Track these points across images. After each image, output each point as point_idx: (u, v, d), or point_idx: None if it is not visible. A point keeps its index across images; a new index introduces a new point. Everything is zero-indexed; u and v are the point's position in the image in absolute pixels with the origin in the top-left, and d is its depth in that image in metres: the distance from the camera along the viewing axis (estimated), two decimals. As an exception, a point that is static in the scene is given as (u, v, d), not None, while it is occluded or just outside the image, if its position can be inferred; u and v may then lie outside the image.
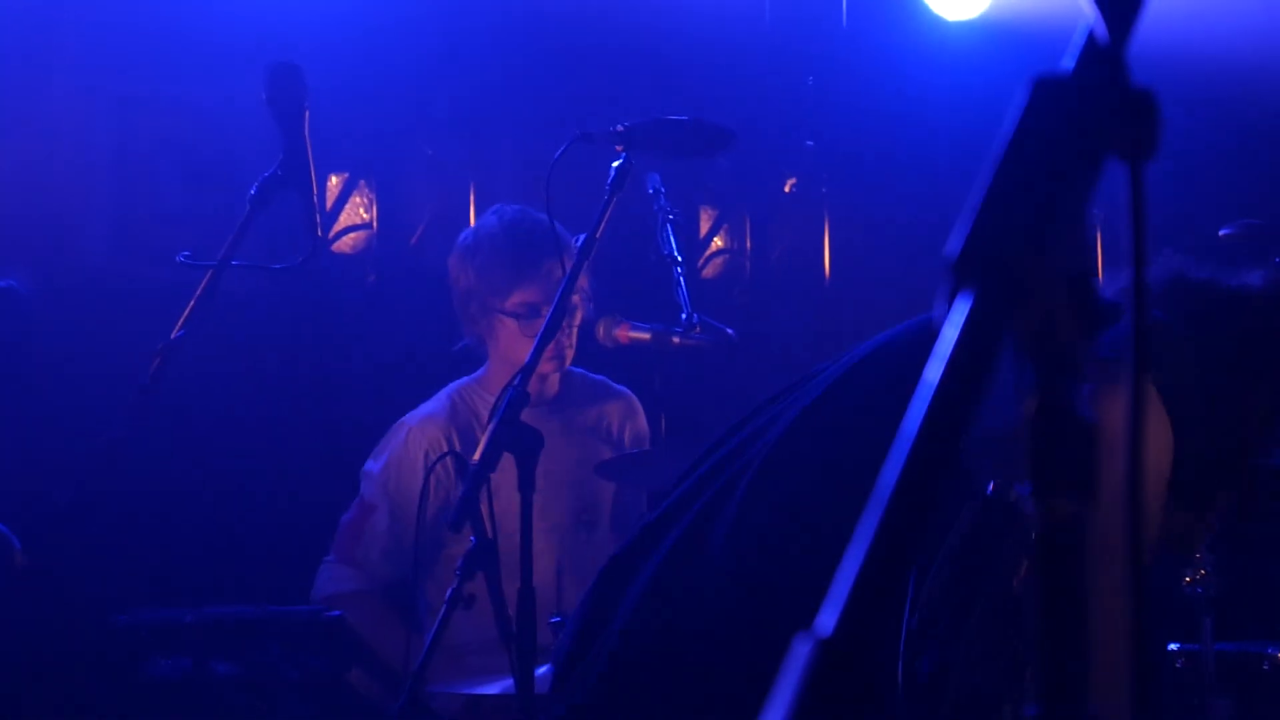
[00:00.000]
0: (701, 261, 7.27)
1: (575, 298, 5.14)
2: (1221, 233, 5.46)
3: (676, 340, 5.01)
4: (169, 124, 6.15)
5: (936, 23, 7.68)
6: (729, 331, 5.09)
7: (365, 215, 6.49)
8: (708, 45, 7.07)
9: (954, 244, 1.13)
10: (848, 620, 1.00)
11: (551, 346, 5.11)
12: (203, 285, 3.92)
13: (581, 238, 4.29)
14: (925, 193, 7.58)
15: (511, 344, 5.18)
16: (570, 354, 5.29)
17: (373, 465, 5.29)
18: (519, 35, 6.71)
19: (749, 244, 7.43)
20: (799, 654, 1.01)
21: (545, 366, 5.22)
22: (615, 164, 4.35)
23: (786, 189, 7.61)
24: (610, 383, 5.55)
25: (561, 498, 5.25)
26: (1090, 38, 1.23)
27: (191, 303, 3.92)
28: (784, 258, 7.55)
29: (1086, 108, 1.20)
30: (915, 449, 1.06)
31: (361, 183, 6.46)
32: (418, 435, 5.20)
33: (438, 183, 6.69)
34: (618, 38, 6.91)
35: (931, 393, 1.09)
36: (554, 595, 5.00)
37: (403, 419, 5.31)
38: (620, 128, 4.37)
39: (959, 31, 7.71)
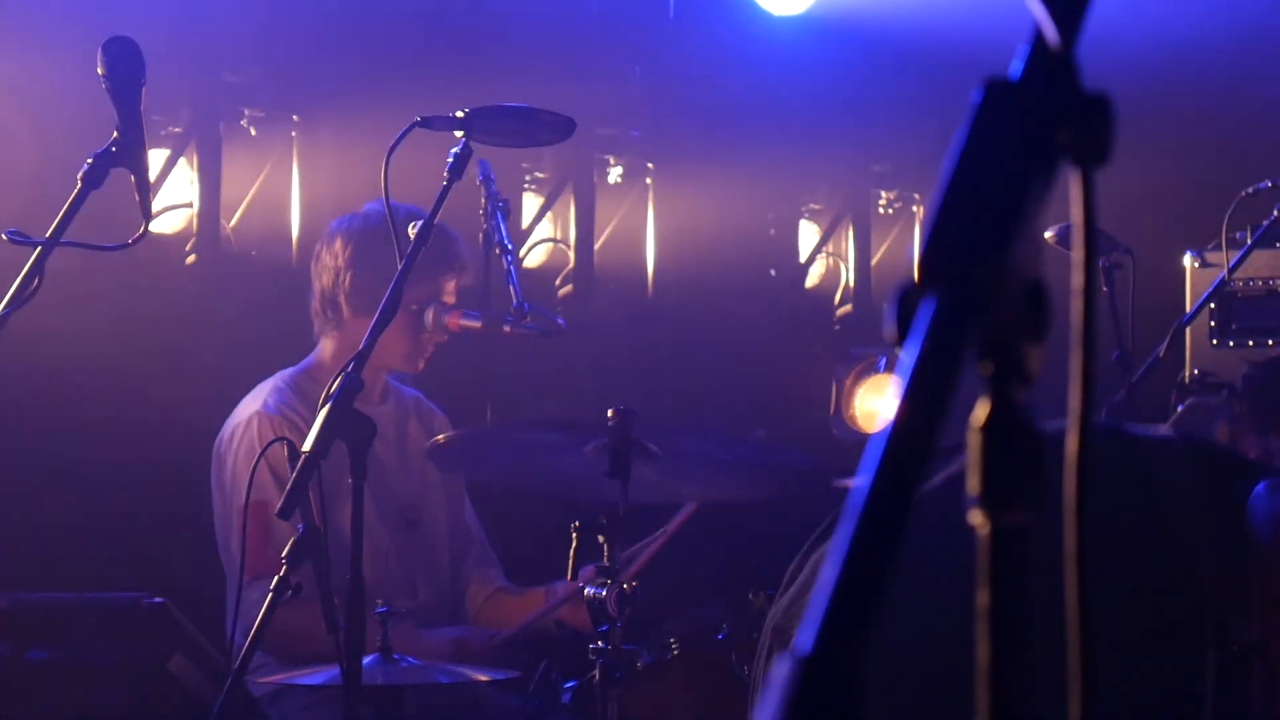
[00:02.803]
0: (525, 250, 7.24)
1: (450, 299, 5.16)
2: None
3: (507, 329, 4.98)
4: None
5: (763, 16, 7.72)
6: (559, 321, 5.07)
7: (188, 193, 6.38)
8: (534, 33, 7.05)
9: (913, 252, 1.11)
10: (824, 637, 0.97)
11: (415, 342, 5.10)
12: (31, 262, 3.82)
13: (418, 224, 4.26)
14: (750, 182, 7.62)
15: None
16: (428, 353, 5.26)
17: (232, 466, 5.14)
18: (346, 16, 6.63)
19: (574, 233, 7.42)
20: (779, 673, 0.98)
21: (407, 365, 5.22)
22: (454, 150, 4.32)
23: (612, 178, 7.61)
24: (424, 398, 5.52)
25: (386, 493, 5.21)
26: (1038, 40, 1.21)
27: (17, 280, 3.81)
28: (609, 248, 7.55)
29: (1038, 112, 1.18)
30: (884, 462, 1.04)
31: (182, 160, 6.35)
32: (262, 424, 5.10)
33: (259, 164, 6.59)
34: (445, 20, 6.87)
35: (899, 403, 1.06)
36: (378, 589, 4.93)
37: (248, 411, 5.18)
38: (460, 114, 4.34)
39: (784, 25, 7.76)
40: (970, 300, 1.10)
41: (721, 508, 5.27)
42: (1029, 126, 1.17)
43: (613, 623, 4.50)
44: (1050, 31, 1.21)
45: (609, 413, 4.53)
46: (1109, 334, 5.64)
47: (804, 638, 0.99)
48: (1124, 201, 6.48)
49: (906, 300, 1.13)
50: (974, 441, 1.14)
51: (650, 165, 7.63)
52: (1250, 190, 5.78)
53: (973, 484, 1.15)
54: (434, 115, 4.35)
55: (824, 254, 8.35)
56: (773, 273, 8.16)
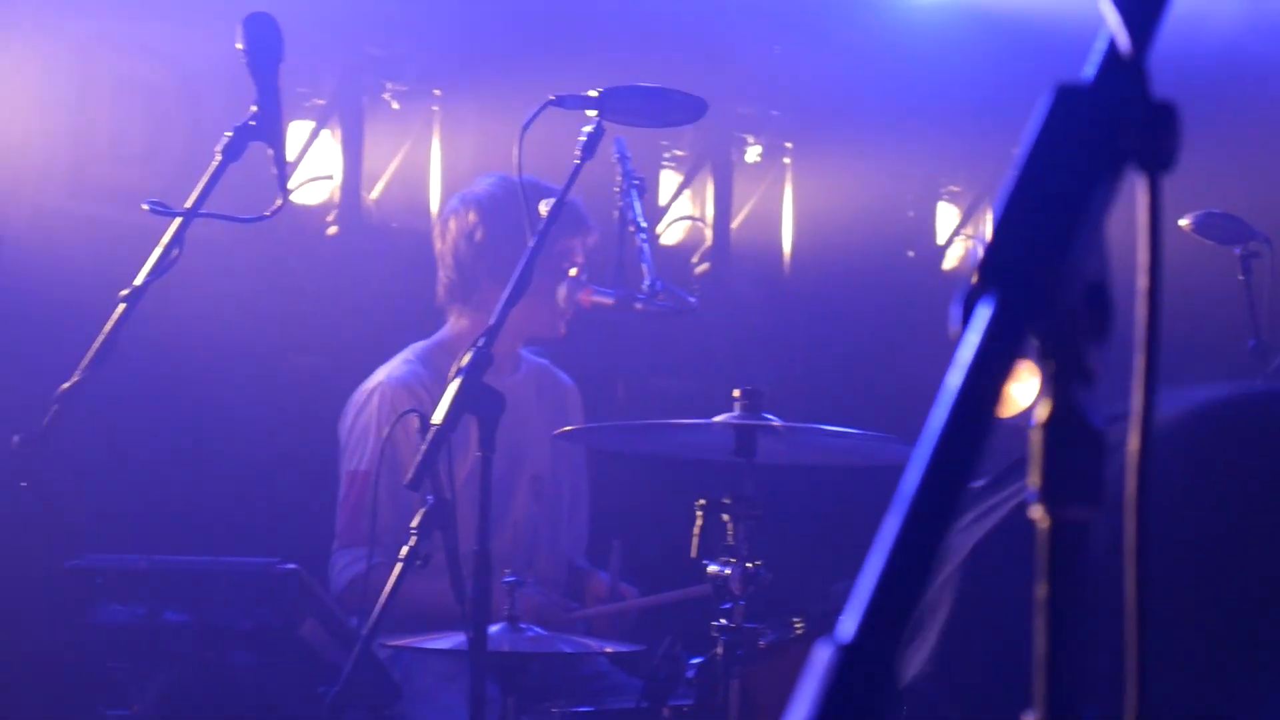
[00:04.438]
0: (663, 228, 7.28)
1: (576, 269, 5.22)
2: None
3: (639, 306, 5.01)
4: (131, 65, 6.10)
5: (904, -3, 7.72)
6: (691, 300, 5.09)
7: (328, 166, 6.47)
8: (674, 11, 7.07)
9: (978, 252, 1.14)
10: (867, 626, 1.01)
11: (553, 309, 5.17)
12: (170, 233, 3.90)
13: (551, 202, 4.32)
14: (888, 164, 7.61)
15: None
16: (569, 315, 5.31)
17: (348, 433, 5.27)
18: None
19: (711, 211, 7.45)
20: (819, 659, 1.02)
21: (548, 331, 5.28)
22: (587, 129, 4.37)
23: (750, 157, 7.62)
24: (554, 367, 5.58)
25: (515, 464, 5.28)
26: (1110, 46, 1.24)
27: (157, 250, 3.90)
28: (746, 227, 7.57)
29: (1106, 117, 1.20)
30: (935, 457, 1.07)
31: (325, 132, 6.44)
32: (393, 396, 5.19)
33: (401, 137, 6.67)
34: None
35: (952, 400, 1.09)
36: (506, 558, 5.02)
37: (373, 382, 5.29)
38: (593, 93, 4.39)
39: (925, 4, 7.74)
40: (1029, 300, 1.13)
41: (847, 485, 5.28)
42: (1097, 131, 1.20)
43: (736, 601, 4.54)
44: (1122, 37, 1.24)
45: (735, 393, 4.58)
46: (1244, 322, 5.59)
47: (846, 626, 1.02)
48: (1264, 188, 6.44)
49: (970, 298, 1.16)
50: (1035, 439, 1.17)
51: (789, 145, 7.64)
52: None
53: (1033, 480, 1.18)
54: (568, 95, 4.40)
55: (963, 236, 8.33)
56: (910, 254, 8.15)
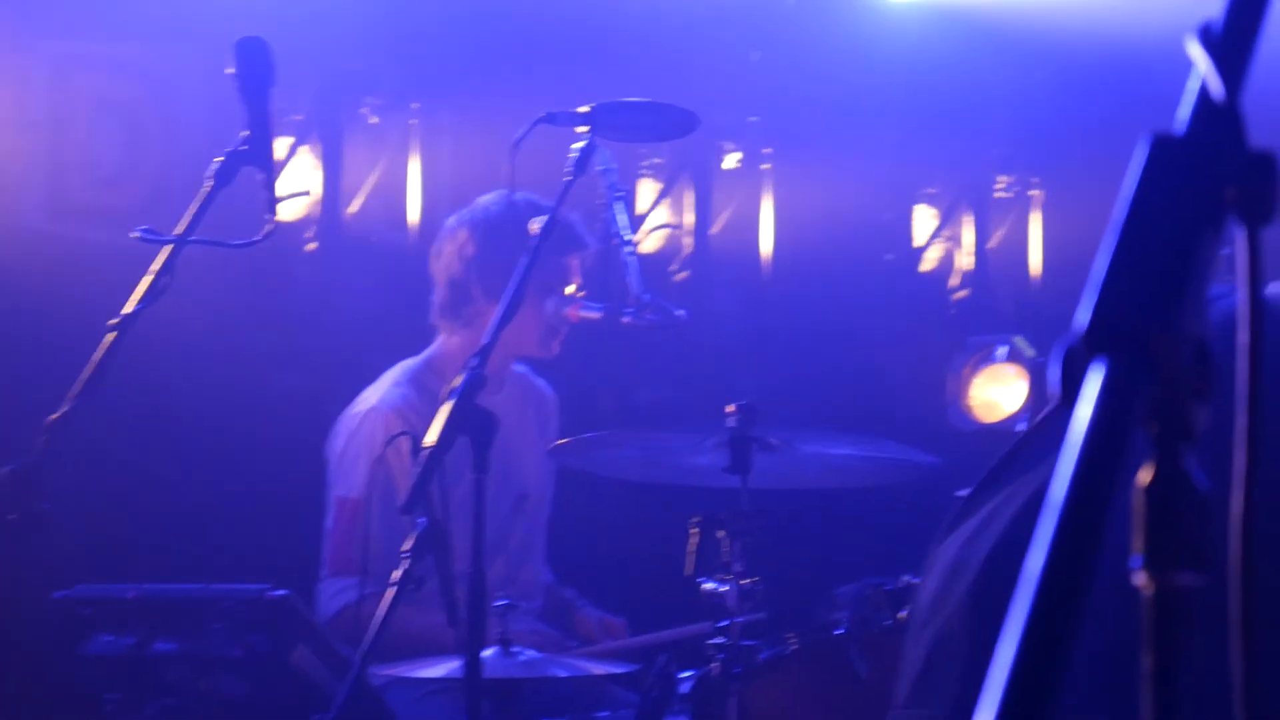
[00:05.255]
0: (642, 236, 7.24)
1: (576, 279, 5.19)
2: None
3: (627, 320, 4.97)
4: (107, 84, 6.04)
5: (879, 2, 7.69)
6: (679, 312, 5.05)
7: (309, 181, 6.42)
8: (652, 19, 7.04)
9: (1083, 313, 1.10)
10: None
11: (545, 328, 5.12)
12: (160, 260, 3.85)
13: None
14: (866, 167, 7.59)
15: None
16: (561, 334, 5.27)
17: (338, 459, 5.22)
18: (465, 5, 6.64)
19: (690, 219, 7.42)
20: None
21: (542, 351, 5.24)
22: (578, 145, 4.33)
23: (729, 164, 7.59)
24: (532, 374, 5.53)
25: (502, 482, 5.23)
26: (1203, 94, 1.20)
27: (149, 277, 3.84)
28: (725, 233, 7.54)
29: (1204, 168, 1.16)
30: (1062, 531, 1.03)
31: (304, 148, 6.39)
32: (383, 421, 5.14)
33: (379, 151, 6.62)
34: (562, 7, 6.87)
35: (1074, 475, 1.05)
36: (499, 580, 4.98)
37: (363, 406, 5.24)
38: (584, 109, 4.35)
39: (901, 9, 7.72)
40: (1143, 364, 1.09)
41: (840, 500, 5.26)
42: (1196, 183, 1.16)
43: (732, 618, 4.51)
44: (1215, 84, 1.20)
45: (728, 409, 4.55)
46: None
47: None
48: None
49: (1073, 360, 1.12)
50: (1140, 502, 1.13)
51: (767, 150, 7.61)
52: None
53: (1138, 545, 1.13)
54: (559, 111, 4.36)
55: (940, 239, 8.30)
56: (889, 257, 8.12)
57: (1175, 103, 1.23)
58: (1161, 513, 1.13)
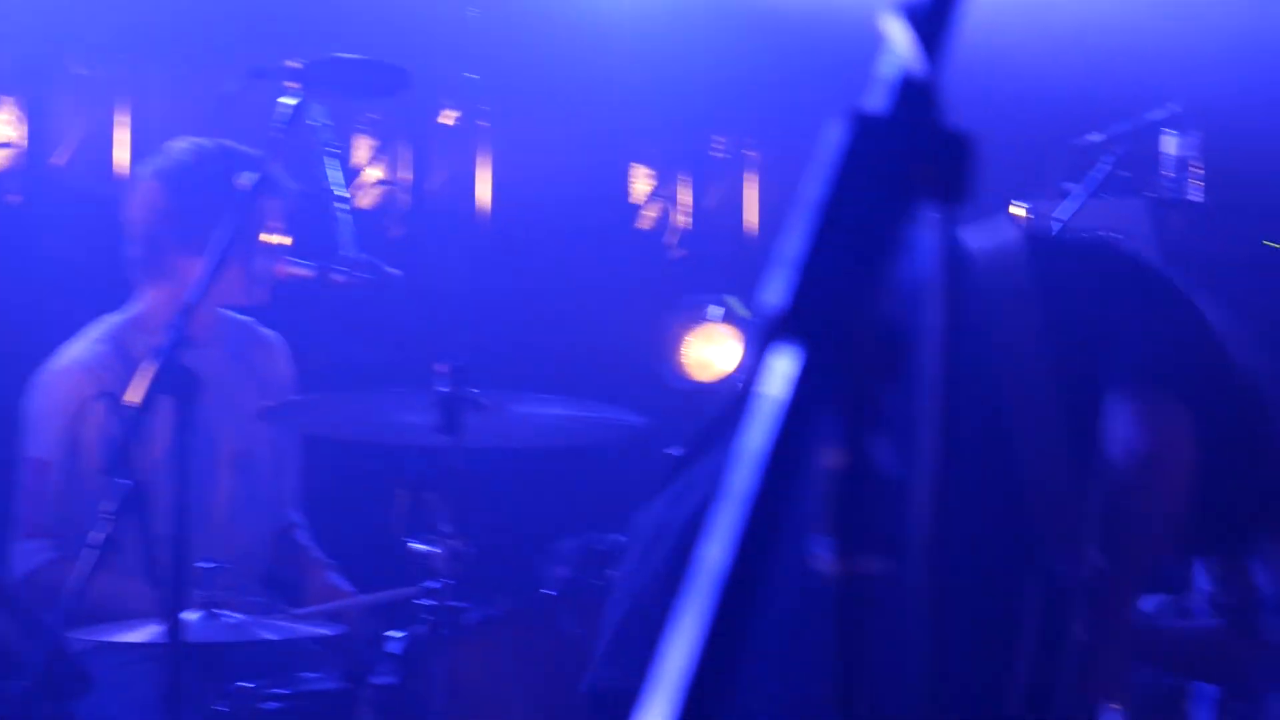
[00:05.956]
0: (357, 193, 7.15)
1: (273, 235, 5.06)
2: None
3: (340, 278, 4.90)
4: None
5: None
6: (392, 270, 5.00)
7: (11, 133, 6.24)
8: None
9: (774, 297, 1.08)
10: None
11: (250, 277, 5.00)
12: None
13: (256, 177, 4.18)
14: (585, 128, 7.58)
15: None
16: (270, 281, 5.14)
17: (31, 417, 5.07)
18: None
19: (406, 176, 7.35)
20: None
21: (250, 298, 5.11)
22: (290, 101, 4.23)
23: (446, 121, 7.53)
24: (256, 324, 5.41)
25: (217, 441, 5.13)
26: (904, 74, 1.19)
27: None
28: (442, 191, 7.48)
29: (900, 148, 1.15)
30: (746, 528, 1.01)
31: (9, 99, 6.21)
32: (77, 380, 5.00)
33: (87, 104, 6.46)
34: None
35: (761, 464, 1.03)
36: (204, 540, 4.87)
37: (55, 364, 5.09)
38: (296, 65, 4.26)
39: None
40: (833, 349, 1.07)
41: (551, 461, 5.26)
42: (890, 164, 1.15)
43: (441, 579, 4.48)
44: (915, 62, 1.19)
45: (440, 368, 4.50)
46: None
47: None
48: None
49: (770, 342, 1.10)
50: (827, 488, 1.12)
51: (485, 108, 7.56)
52: (1077, 141, 5.82)
53: (825, 530, 1.12)
54: (270, 66, 4.27)
55: (658, 199, 8.32)
56: (606, 217, 8.12)
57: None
58: (848, 498, 1.13)
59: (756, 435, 1.05)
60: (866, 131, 1.16)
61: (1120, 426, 2.97)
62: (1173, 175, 5.86)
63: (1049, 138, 6.08)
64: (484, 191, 7.59)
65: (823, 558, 1.13)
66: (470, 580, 4.56)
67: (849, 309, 1.08)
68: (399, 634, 4.63)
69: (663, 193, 8.32)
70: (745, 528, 1.01)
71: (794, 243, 1.10)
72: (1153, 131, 5.82)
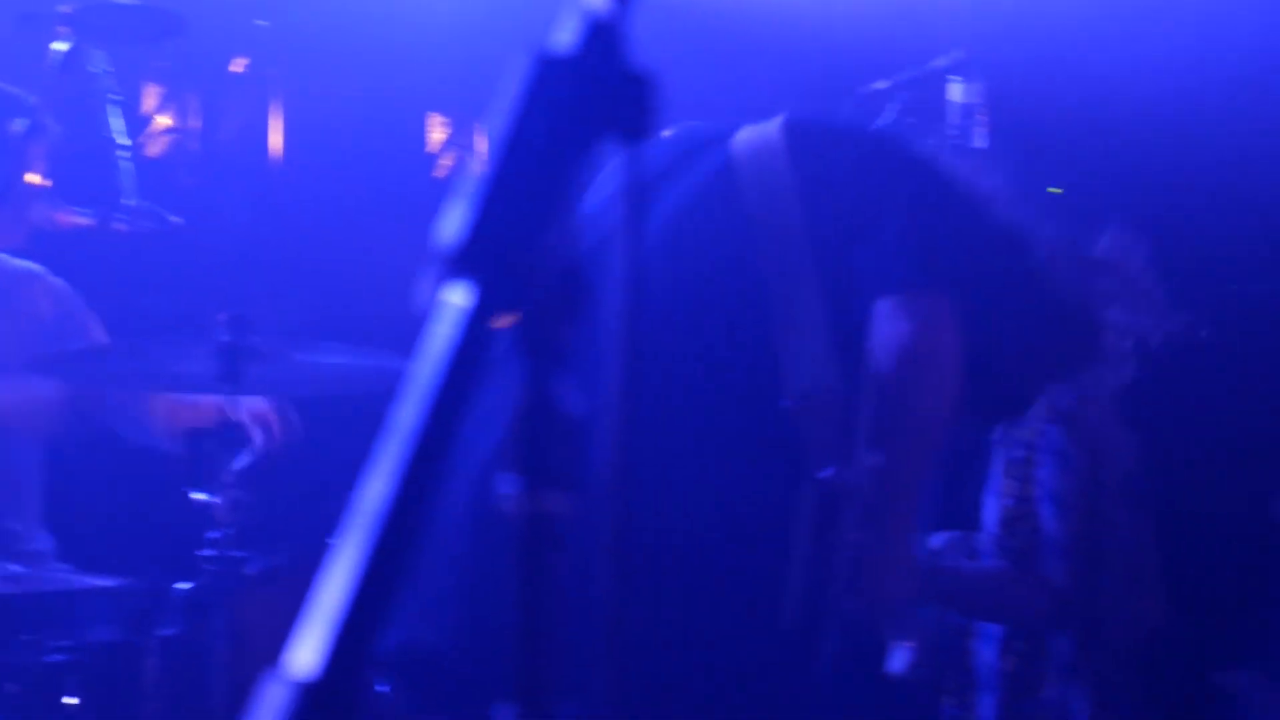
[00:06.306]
0: (146, 140, 7.05)
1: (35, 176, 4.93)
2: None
3: (121, 226, 4.84)
4: None
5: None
6: (175, 218, 4.95)
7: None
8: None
9: (451, 232, 1.08)
10: (337, 661, 0.94)
11: (19, 220, 4.88)
12: None
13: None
14: (378, 76, 7.54)
15: None
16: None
17: None
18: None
19: (197, 124, 7.25)
20: (272, 698, 0.95)
21: (7, 241, 4.99)
22: (61, 46, 4.18)
23: (235, 68, 7.45)
24: (9, 258, 5.27)
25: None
26: (591, 14, 1.20)
27: None
28: (233, 139, 7.40)
29: (585, 89, 1.16)
30: (411, 464, 1.02)
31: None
32: None
33: None
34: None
35: (428, 401, 1.04)
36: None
37: None
38: (66, 9, 4.20)
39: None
40: (510, 289, 1.08)
41: (335, 409, 5.23)
42: (575, 104, 1.15)
43: (222, 529, 4.45)
44: (602, 4, 1.20)
45: (220, 317, 4.46)
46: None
47: (305, 656, 0.96)
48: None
49: (447, 277, 1.11)
50: (512, 426, 1.13)
51: (276, 56, 7.48)
52: (863, 89, 5.87)
53: (512, 468, 1.13)
54: (38, 12, 4.20)
55: (455, 148, 8.28)
56: (402, 166, 8.07)
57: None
58: (533, 436, 1.13)
59: (425, 371, 1.05)
60: (550, 71, 1.16)
61: (882, 322, 2.95)
62: (958, 122, 5.92)
63: (835, 86, 6.11)
64: (277, 140, 7.52)
65: (509, 495, 1.13)
66: (252, 530, 4.54)
67: (526, 246, 1.09)
68: (182, 585, 4.60)
69: (460, 141, 8.28)
70: (409, 463, 1.02)
71: (473, 181, 1.11)
72: (938, 79, 5.87)
